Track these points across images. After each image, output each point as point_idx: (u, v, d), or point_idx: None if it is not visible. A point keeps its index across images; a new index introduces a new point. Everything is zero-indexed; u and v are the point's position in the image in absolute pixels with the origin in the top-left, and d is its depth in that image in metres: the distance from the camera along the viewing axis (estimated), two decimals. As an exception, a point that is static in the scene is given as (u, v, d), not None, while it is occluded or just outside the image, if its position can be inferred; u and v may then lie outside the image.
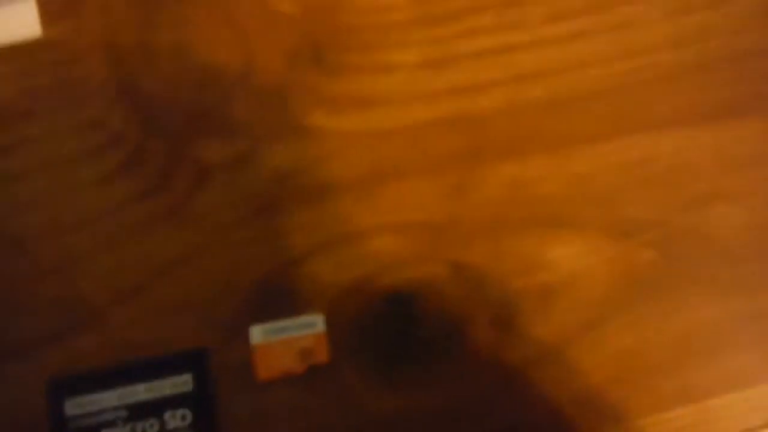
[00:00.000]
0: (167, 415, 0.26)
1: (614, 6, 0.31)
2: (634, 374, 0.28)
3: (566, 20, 0.31)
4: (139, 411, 0.26)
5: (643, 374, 0.28)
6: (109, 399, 0.26)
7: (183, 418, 0.26)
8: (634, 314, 0.28)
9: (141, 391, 0.26)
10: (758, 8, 0.31)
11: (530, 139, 0.30)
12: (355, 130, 0.30)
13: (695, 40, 0.31)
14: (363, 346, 0.28)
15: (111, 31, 0.30)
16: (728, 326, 0.28)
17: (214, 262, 0.29)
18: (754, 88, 0.31)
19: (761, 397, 0.28)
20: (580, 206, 0.29)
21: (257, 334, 0.28)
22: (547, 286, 0.29)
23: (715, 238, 0.29)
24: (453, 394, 0.28)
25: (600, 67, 0.31)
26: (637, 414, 0.27)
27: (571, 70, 0.31)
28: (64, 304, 0.28)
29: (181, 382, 0.27)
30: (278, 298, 0.29)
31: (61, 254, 0.29)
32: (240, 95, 0.30)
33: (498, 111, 0.30)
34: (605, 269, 0.29)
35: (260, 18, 0.31)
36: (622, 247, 0.29)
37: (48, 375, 0.27)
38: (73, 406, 0.26)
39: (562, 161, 0.30)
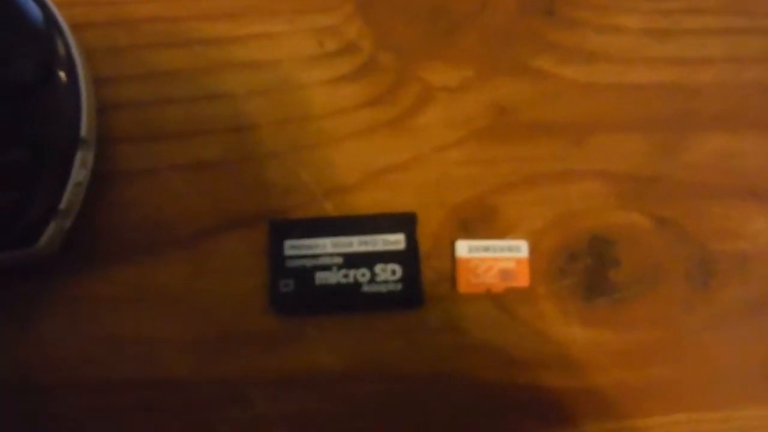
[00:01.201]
0: (378, 268, 0.27)
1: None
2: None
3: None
4: (353, 260, 0.28)
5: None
6: (325, 245, 0.27)
7: (393, 272, 0.27)
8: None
9: (355, 243, 0.28)
10: None
11: (741, 116, 0.31)
12: (576, 80, 0.31)
13: None
14: (560, 277, 0.29)
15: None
16: None
17: (428, 174, 0.30)
18: None
19: None
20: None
21: (462, 248, 0.29)
22: (746, 254, 0.29)
23: None
24: (640, 338, 0.28)
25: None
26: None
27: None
28: (281, 187, 0.29)
29: (393, 241, 0.28)
30: (484, 220, 0.29)
31: (285, 142, 0.30)
32: (471, 29, 0.32)
33: (713, 85, 0.31)
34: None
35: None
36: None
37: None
38: (291, 247, 0.27)
39: (770, 141, 0.30)
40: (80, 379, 0.27)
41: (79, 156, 0.26)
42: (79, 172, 0.26)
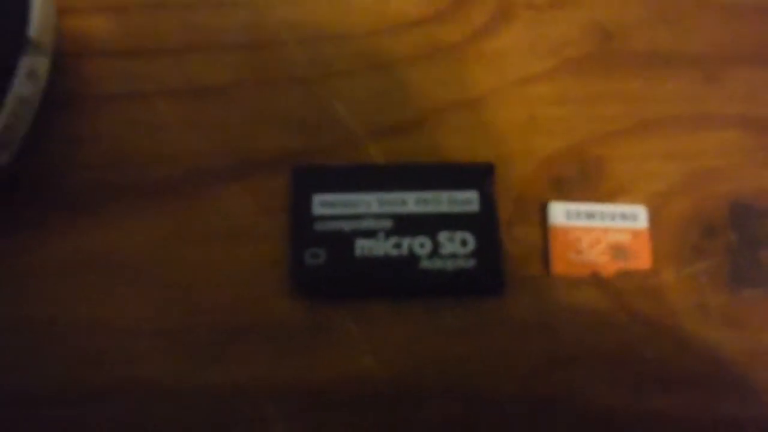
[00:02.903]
0: (443, 236, 0.20)
1: None
2: None
3: None
4: (407, 225, 0.20)
5: None
6: (369, 203, 0.20)
7: (463, 243, 0.20)
8: None
9: (411, 202, 0.20)
10: None
11: None
12: (707, -2, 0.24)
13: None
14: (694, 259, 0.21)
15: None
16: None
17: (509, 115, 0.22)
18: None
19: None
20: None
21: (558, 212, 0.21)
22: None
23: None
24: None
25: None
26: None
27: None
28: (310, 123, 0.21)
29: (464, 200, 0.20)
30: (585, 177, 0.22)
31: (317, 65, 0.22)
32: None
33: None
34: None
35: None
36: None
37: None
38: (322, 204, 0.20)
39: None
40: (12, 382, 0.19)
41: (25, 62, 0.18)
42: (25, 83, 0.19)
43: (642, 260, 0.21)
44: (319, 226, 0.20)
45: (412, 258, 0.20)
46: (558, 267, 0.21)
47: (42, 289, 0.19)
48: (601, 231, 0.21)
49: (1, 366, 0.19)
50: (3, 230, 0.20)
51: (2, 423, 0.18)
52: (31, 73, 0.19)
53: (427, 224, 0.20)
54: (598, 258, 0.21)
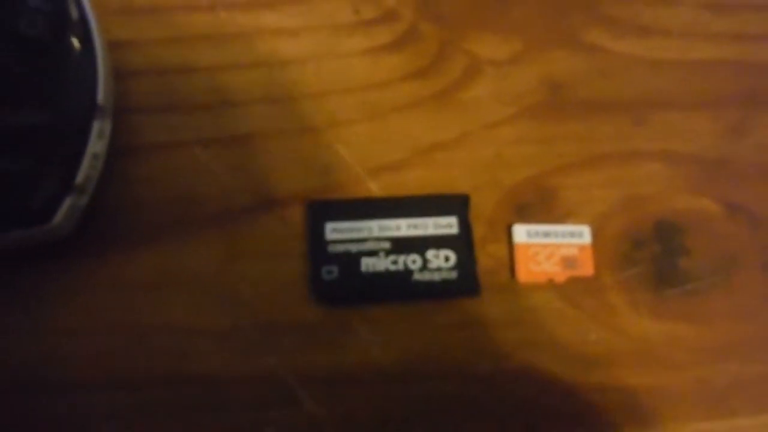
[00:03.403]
0: (430, 254, 0.25)
1: None
2: None
3: None
4: (402, 245, 0.25)
5: None
6: (371, 229, 0.25)
7: (446, 258, 0.25)
8: None
9: (404, 227, 0.25)
10: None
11: (811, 96, 0.29)
12: (633, 55, 0.29)
13: None
14: (627, 266, 0.26)
15: None
16: None
17: (479, 153, 0.27)
18: None
19: None
20: None
21: (520, 233, 0.26)
22: (825, 243, 0.27)
23: None
24: (719, 332, 0.26)
25: None
26: None
27: None
28: (320, 165, 0.26)
29: (446, 224, 0.25)
30: (542, 203, 0.27)
31: (322, 116, 0.27)
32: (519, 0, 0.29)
33: (779, 63, 0.29)
34: None
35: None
36: None
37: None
38: (334, 230, 0.25)
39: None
40: (99, 374, 0.24)
41: (96, 125, 0.23)
42: (97, 142, 0.23)
43: (587, 268, 0.26)
44: (332, 248, 0.25)
45: (407, 272, 0.25)
46: (522, 276, 0.26)
47: (123, 302, 0.24)
48: (555, 246, 0.26)
49: (98, 358, 0.24)
50: (92, 251, 0.24)
51: (99, 404, 0.23)
52: (100, 133, 0.23)
53: (418, 244, 0.25)
54: (553, 268, 0.26)
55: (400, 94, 0.28)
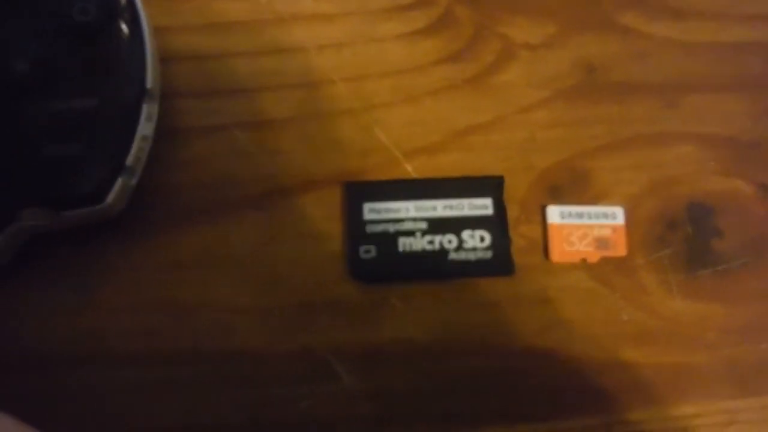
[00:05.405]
0: (465, 234, 0.26)
1: None
2: None
3: None
4: (438, 225, 0.26)
5: None
6: (408, 209, 0.26)
7: (481, 239, 0.26)
8: None
9: (440, 208, 0.26)
10: None
11: None
12: (666, 37, 0.29)
13: None
14: (659, 247, 0.27)
15: None
16: None
17: (513, 136, 0.28)
18: None
19: None
20: None
21: (554, 214, 0.27)
22: None
23: None
24: (751, 312, 0.26)
25: None
26: None
27: None
28: (357, 148, 0.27)
29: (480, 205, 0.26)
30: (575, 185, 0.27)
31: (359, 99, 0.28)
32: (553, -18, 0.29)
33: (814, 45, 0.29)
34: None
35: None
36: None
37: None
38: (371, 211, 0.26)
39: None
40: (144, 350, 0.25)
41: (145, 108, 0.24)
42: (146, 125, 0.24)
43: (620, 249, 0.27)
44: (370, 228, 0.26)
45: (443, 251, 0.26)
46: (555, 256, 0.27)
47: (167, 280, 0.25)
48: (588, 227, 0.27)
49: (143, 335, 0.25)
50: (137, 231, 0.25)
51: (146, 379, 0.24)
52: (149, 117, 0.24)
53: (453, 225, 0.26)
54: (586, 248, 0.27)
55: (435, 78, 0.28)
